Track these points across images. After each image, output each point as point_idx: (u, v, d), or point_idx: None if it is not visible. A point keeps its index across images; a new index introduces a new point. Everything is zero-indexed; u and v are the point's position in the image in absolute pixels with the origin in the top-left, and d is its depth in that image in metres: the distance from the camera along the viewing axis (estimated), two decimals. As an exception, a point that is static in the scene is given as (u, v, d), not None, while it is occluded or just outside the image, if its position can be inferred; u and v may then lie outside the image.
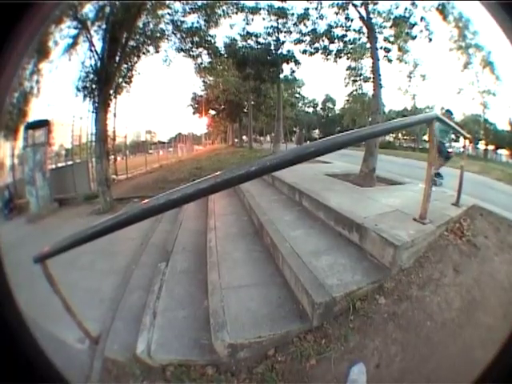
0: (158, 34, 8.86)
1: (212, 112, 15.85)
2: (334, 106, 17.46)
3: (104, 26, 7.75)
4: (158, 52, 9.18)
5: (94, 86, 8.21)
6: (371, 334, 2.21)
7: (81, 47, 8.06)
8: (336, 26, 7.79)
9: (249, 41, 11.79)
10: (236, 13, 9.64)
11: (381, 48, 7.35)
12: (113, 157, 10.65)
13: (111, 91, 8.41)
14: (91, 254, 4.19)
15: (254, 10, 10.51)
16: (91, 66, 8.04)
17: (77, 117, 9.99)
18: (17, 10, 0.58)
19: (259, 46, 11.76)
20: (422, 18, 7.40)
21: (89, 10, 7.72)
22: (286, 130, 15.24)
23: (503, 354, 0.80)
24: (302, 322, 2.33)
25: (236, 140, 17.38)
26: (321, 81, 19.22)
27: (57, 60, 8.57)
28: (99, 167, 8.14)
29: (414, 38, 7.69)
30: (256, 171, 1.41)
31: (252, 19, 10.95)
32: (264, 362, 2.15)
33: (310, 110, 16.99)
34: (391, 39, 7.57)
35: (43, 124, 9.92)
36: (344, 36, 7.47)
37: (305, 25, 10.74)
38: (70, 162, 11.13)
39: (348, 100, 14.26)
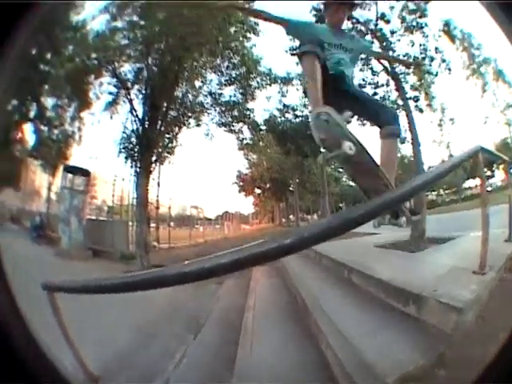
0: (198, 107, 9.21)
1: (257, 191, 15.78)
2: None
3: (143, 91, 8.36)
4: (199, 125, 9.46)
5: (135, 150, 8.57)
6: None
7: (121, 107, 8.69)
8: (365, 85, 7.54)
9: (286, 114, 11.66)
10: (270, 84, 9.64)
11: (409, 98, 7.12)
12: (154, 224, 10.78)
13: (153, 159, 8.69)
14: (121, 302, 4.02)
15: (287, 81, 10.29)
16: (133, 129, 8.45)
17: (119, 177, 10.25)
18: (17, 9, 0.59)
19: (297, 120, 11.62)
20: (436, 49, 7.26)
21: (127, 70, 8.42)
22: (333, 207, 14.66)
23: (503, 354, 0.79)
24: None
25: (283, 220, 17.07)
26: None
27: (98, 114, 9.08)
28: (139, 231, 8.28)
29: (436, 75, 7.45)
30: (292, 244, 1.08)
31: (286, 90, 10.73)
32: None
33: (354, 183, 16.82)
34: (417, 85, 7.40)
35: (84, 173, 10.33)
36: (375, 94, 7.40)
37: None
38: (110, 219, 11.54)
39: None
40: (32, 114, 9.92)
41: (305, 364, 2.38)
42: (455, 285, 2.57)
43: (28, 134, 11.11)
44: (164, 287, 1.30)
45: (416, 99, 7.33)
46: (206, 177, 16.57)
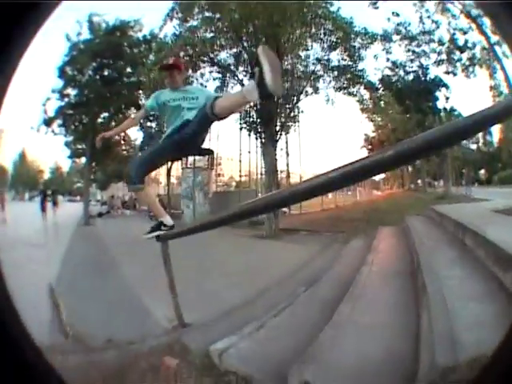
0: (310, 74, 9.23)
1: None
2: (492, 138, 14.43)
3: (250, 70, 8.64)
4: (317, 92, 9.54)
5: (257, 123, 9.03)
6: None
7: (231, 89, 9.35)
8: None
9: (397, 72, 11.73)
10: (371, 42, 9.19)
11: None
12: None
13: (277, 129, 9.00)
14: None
15: (386, 37, 10.32)
16: (250, 105, 8.68)
17: (244, 151, 11.44)
18: (17, 9, 0.58)
19: (409, 76, 11.70)
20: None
21: (226, 57, 9.02)
22: (457, 172, 14.11)
23: (501, 354, 0.74)
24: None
25: (412, 185, 16.61)
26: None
27: None
28: None
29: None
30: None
31: (389, 47, 10.81)
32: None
33: (474, 146, 14.91)
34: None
35: (207, 152, 11.66)
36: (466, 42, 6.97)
37: (433, 40, 10.28)
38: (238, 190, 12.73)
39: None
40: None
41: (399, 328, 2.21)
42: None
43: (134, 133, 13.24)
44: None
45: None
46: (335, 142, 16.92)
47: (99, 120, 11.48)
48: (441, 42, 10.10)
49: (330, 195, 14.72)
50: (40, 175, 19.98)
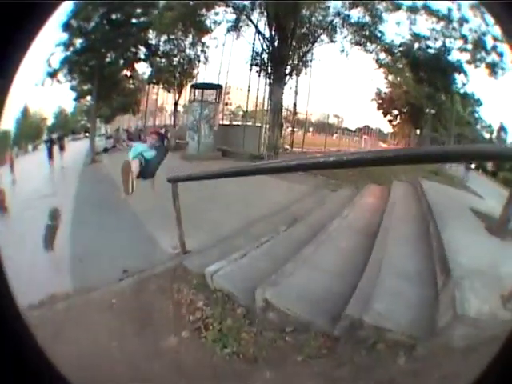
0: (328, 26, 9.28)
1: (395, 112, 14.76)
2: (506, 137, 14.02)
3: (266, 14, 8.69)
4: (333, 42, 9.54)
5: (268, 64, 9.26)
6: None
7: (245, 30, 9.25)
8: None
9: (418, 43, 11.02)
10: (395, 10, 9.10)
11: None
12: (290, 129, 11.51)
13: (287, 71, 9.21)
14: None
15: (413, 10, 9.79)
16: (262, 48, 9.13)
17: (253, 87, 10.98)
18: (17, 9, 0.58)
19: (429, 50, 11.06)
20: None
21: None
22: None
23: (502, 356, 0.80)
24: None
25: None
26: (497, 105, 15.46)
27: (221, 37, 9.98)
28: (271, 134, 9.12)
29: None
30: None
31: (414, 19, 10.06)
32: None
33: (487, 136, 14.60)
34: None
35: (215, 87, 11.30)
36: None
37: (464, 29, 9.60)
38: (244, 123, 12.38)
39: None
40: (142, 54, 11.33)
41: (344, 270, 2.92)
42: None
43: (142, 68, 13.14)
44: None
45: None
46: (346, 90, 16.75)
47: (106, 60, 11.58)
48: (465, 38, 9.85)
49: (334, 136, 15.39)
50: (43, 123, 19.70)
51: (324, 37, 9.43)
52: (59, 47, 10.15)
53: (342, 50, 9.56)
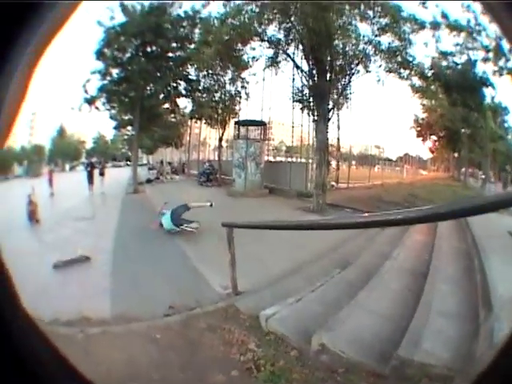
0: (361, 54, 9.42)
1: (433, 137, 15.72)
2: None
3: (301, 48, 9.07)
4: (368, 72, 9.70)
5: (310, 100, 9.59)
6: None
7: (283, 65, 9.86)
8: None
9: (445, 61, 11.69)
10: (420, 29, 9.33)
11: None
12: (334, 164, 11.91)
13: (329, 106, 9.44)
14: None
15: (435, 26, 10.37)
16: (302, 82, 9.47)
17: (297, 124, 11.87)
18: (17, 9, 0.57)
19: (457, 67, 11.55)
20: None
21: (274, 33, 9.32)
22: (499, 167, 14.14)
23: (502, 357, 0.78)
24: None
25: (456, 172, 16.75)
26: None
27: (261, 73, 11.08)
28: (318, 172, 9.25)
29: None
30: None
31: (438, 36, 10.70)
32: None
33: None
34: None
35: (260, 124, 12.20)
36: None
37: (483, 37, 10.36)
38: (288, 159, 13.14)
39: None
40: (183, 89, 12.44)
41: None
42: None
43: (184, 102, 13.60)
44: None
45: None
46: (385, 119, 17.11)
47: (146, 92, 11.92)
48: (486, 47, 10.26)
49: (376, 168, 15.61)
50: (81, 146, 21.07)
51: (360, 67, 9.69)
52: (95, 75, 11.47)
53: (378, 80, 9.83)
